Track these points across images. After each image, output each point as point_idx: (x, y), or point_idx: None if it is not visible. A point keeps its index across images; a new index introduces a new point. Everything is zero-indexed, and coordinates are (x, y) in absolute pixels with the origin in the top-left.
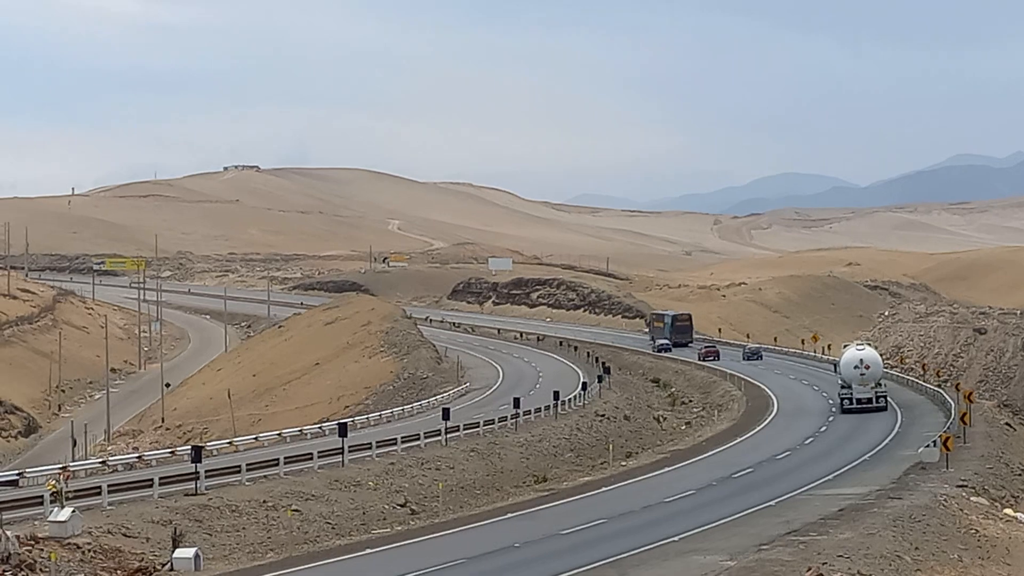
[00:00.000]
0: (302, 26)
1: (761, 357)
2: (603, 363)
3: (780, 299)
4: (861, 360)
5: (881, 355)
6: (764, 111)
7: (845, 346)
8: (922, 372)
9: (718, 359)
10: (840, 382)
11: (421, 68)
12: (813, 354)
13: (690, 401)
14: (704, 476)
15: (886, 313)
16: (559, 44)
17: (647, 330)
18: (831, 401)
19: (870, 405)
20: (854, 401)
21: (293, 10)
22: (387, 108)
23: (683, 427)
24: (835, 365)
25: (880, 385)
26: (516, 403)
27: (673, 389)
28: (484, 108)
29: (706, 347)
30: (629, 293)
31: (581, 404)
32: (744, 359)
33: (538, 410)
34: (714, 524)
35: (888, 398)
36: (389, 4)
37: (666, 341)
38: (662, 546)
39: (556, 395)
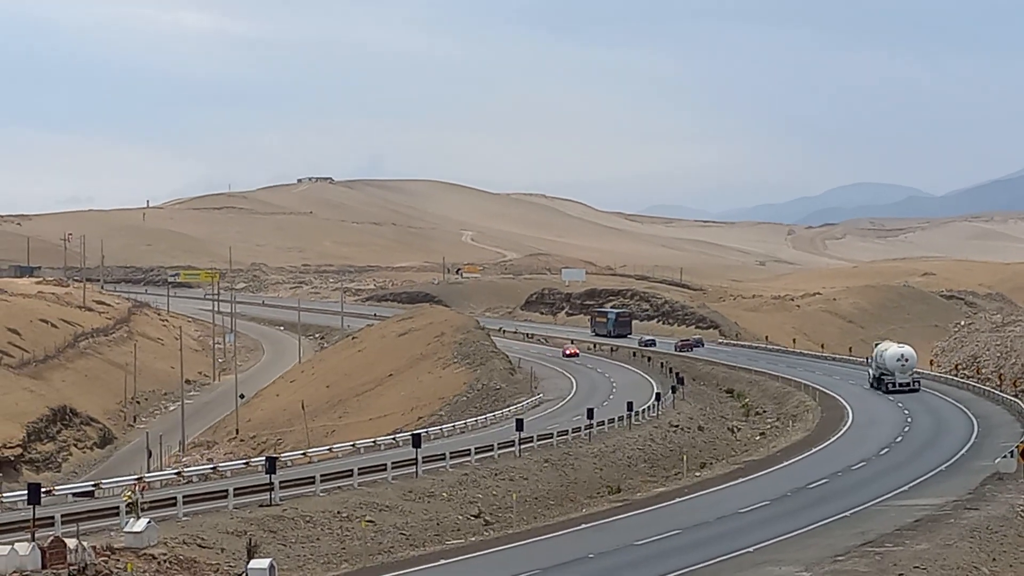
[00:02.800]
0: (376, 39)
1: (703, 345)
2: (677, 374)
3: (855, 309)
4: (903, 355)
5: (956, 365)
6: (839, 121)
7: (877, 343)
8: (999, 383)
9: (701, 346)
10: (880, 371)
11: (494, 80)
12: None
13: (764, 411)
14: (779, 487)
15: (962, 323)
16: (633, 58)
17: (590, 325)
18: (907, 411)
19: (907, 388)
20: (896, 384)
21: (368, 23)
22: (461, 120)
23: (757, 438)
24: (868, 358)
25: (914, 373)
26: (590, 414)
27: (747, 400)
28: (558, 120)
29: (682, 341)
30: (703, 303)
31: (655, 415)
32: (676, 350)
33: (612, 421)
34: (789, 535)
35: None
36: (464, 19)
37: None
38: (736, 557)
39: (630, 406)
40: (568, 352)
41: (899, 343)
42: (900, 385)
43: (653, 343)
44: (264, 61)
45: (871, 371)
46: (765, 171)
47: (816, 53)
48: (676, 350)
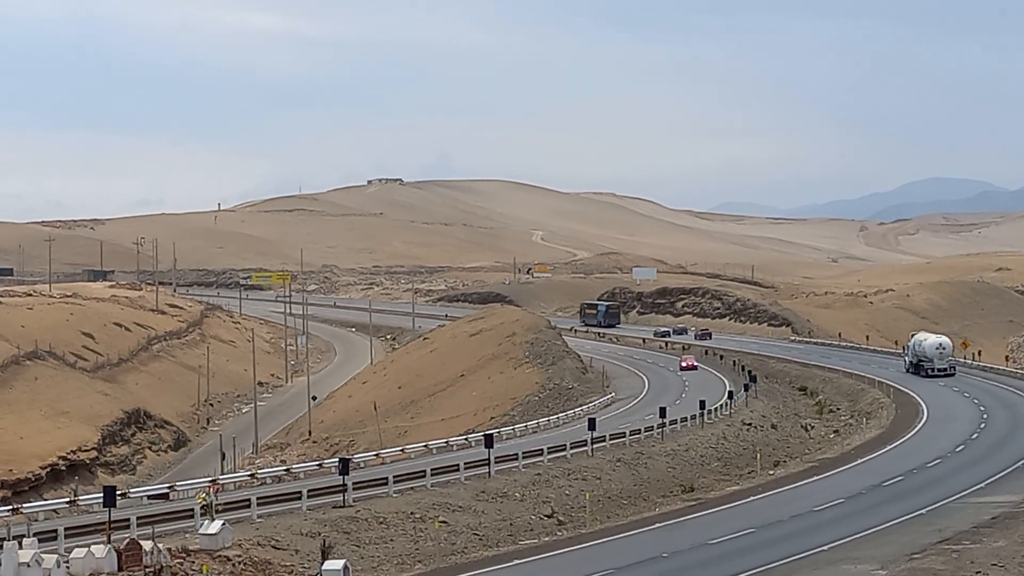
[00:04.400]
0: (445, 37)
1: (711, 336)
2: (749, 372)
3: (928, 305)
4: (941, 344)
5: None
6: (911, 115)
7: (913, 334)
8: None
9: (710, 338)
10: (919, 358)
11: (563, 79)
12: (963, 360)
13: (838, 409)
14: (853, 484)
15: None
16: (702, 54)
17: (580, 315)
18: (982, 408)
19: (944, 373)
20: (936, 370)
21: (436, 22)
22: (530, 119)
23: (831, 435)
24: (905, 347)
25: (951, 359)
26: (662, 413)
27: (820, 397)
28: (627, 118)
29: (701, 331)
30: (775, 301)
31: (728, 413)
32: (696, 338)
33: (684, 419)
34: (864, 533)
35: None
36: (531, 16)
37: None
38: (812, 555)
39: (702, 404)
40: (685, 364)
41: (932, 334)
42: (938, 370)
43: (668, 334)
44: (333, 61)
45: (907, 358)
46: (837, 166)
47: (888, 46)
48: (696, 339)
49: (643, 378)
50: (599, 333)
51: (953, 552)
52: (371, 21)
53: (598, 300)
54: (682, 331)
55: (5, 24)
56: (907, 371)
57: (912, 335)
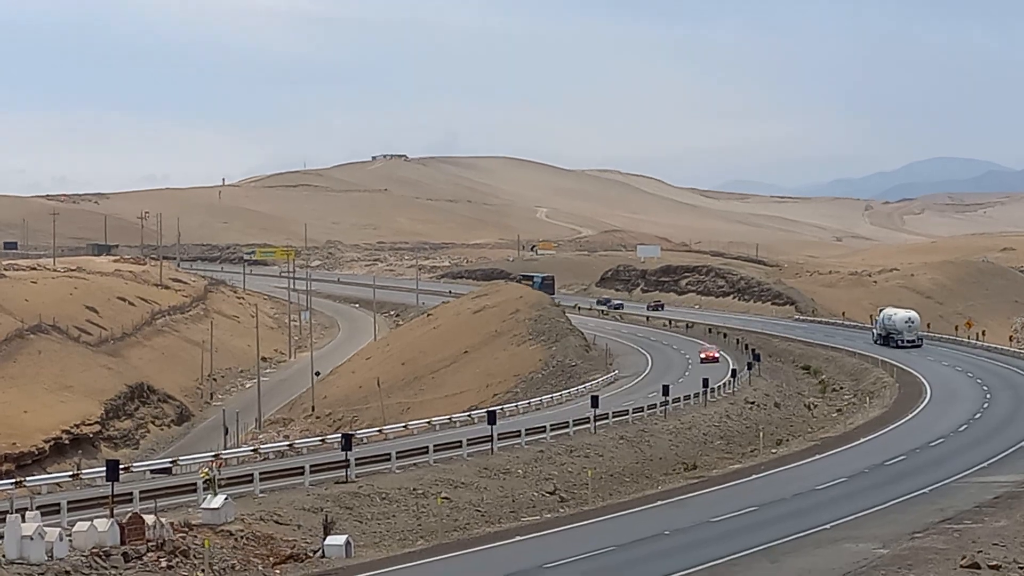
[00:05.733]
0: (449, 15)
1: (663, 307)
2: (752, 350)
3: (933, 285)
4: (910, 318)
5: None
6: (917, 95)
7: (882, 309)
8: None
9: (662, 308)
10: (888, 331)
11: (569, 57)
12: (967, 340)
13: (841, 388)
14: (856, 463)
15: None
16: (707, 33)
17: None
18: (985, 387)
19: (912, 344)
20: (904, 341)
21: (444, 2)
22: (536, 97)
23: (834, 414)
24: (874, 321)
25: (918, 332)
26: (665, 391)
27: (824, 376)
28: (632, 96)
29: (654, 302)
30: (779, 280)
31: (731, 391)
32: (648, 309)
33: (687, 397)
34: (866, 512)
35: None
36: None
37: None
38: (814, 534)
39: (705, 382)
40: (705, 356)
41: (899, 308)
42: (907, 341)
43: (621, 306)
44: (338, 39)
45: (876, 331)
46: (841, 146)
47: (894, 25)
48: (648, 309)
49: (647, 356)
50: (602, 311)
51: (955, 531)
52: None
53: (534, 273)
54: (619, 306)
55: (11, 2)
56: (875, 342)
57: (881, 309)
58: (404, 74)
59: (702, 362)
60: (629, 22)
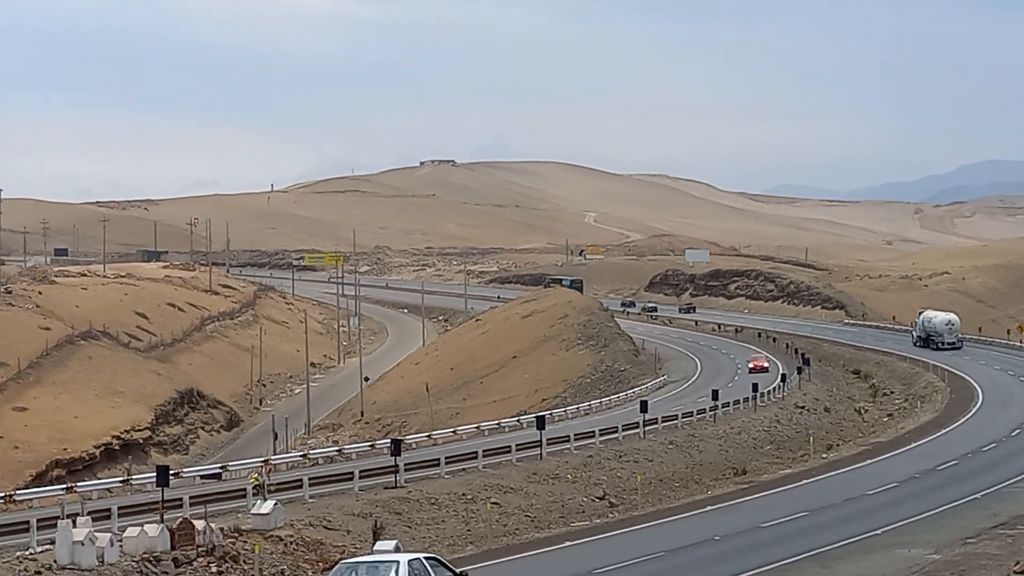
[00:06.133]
0: (497, 19)
1: (695, 310)
2: (802, 354)
3: (984, 288)
4: (950, 320)
5: None
6: (967, 97)
7: (921, 311)
8: None
9: (694, 311)
10: (928, 333)
11: (617, 60)
12: (1019, 344)
13: (892, 392)
14: (907, 468)
15: None
16: (754, 36)
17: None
18: None
19: (953, 346)
20: (945, 344)
21: (488, 3)
22: (584, 101)
23: (885, 419)
24: (913, 324)
25: (959, 335)
26: (715, 395)
27: (874, 380)
28: (680, 100)
29: (686, 305)
30: (828, 283)
31: (780, 396)
32: (680, 312)
33: (737, 402)
34: (918, 517)
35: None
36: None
37: None
38: (865, 539)
39: (755, 387)
40: (753, 366)
41: (944, 312)
42: (947, 344)
43: (655, 309)
44: (387, 43)
45: (915, 333)
46: (892, 149)
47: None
48: (680, 312)
49: (696, 361)
50: (651, 316)
51: (1008, 536)
52: (424, 3)
53: (563, 276)
54: (653, 308)
55: (61, 6)
56: (915, 344)
57: (920, 312)
58: (452, 78)
59: (751, 372)
60: (677, 24)
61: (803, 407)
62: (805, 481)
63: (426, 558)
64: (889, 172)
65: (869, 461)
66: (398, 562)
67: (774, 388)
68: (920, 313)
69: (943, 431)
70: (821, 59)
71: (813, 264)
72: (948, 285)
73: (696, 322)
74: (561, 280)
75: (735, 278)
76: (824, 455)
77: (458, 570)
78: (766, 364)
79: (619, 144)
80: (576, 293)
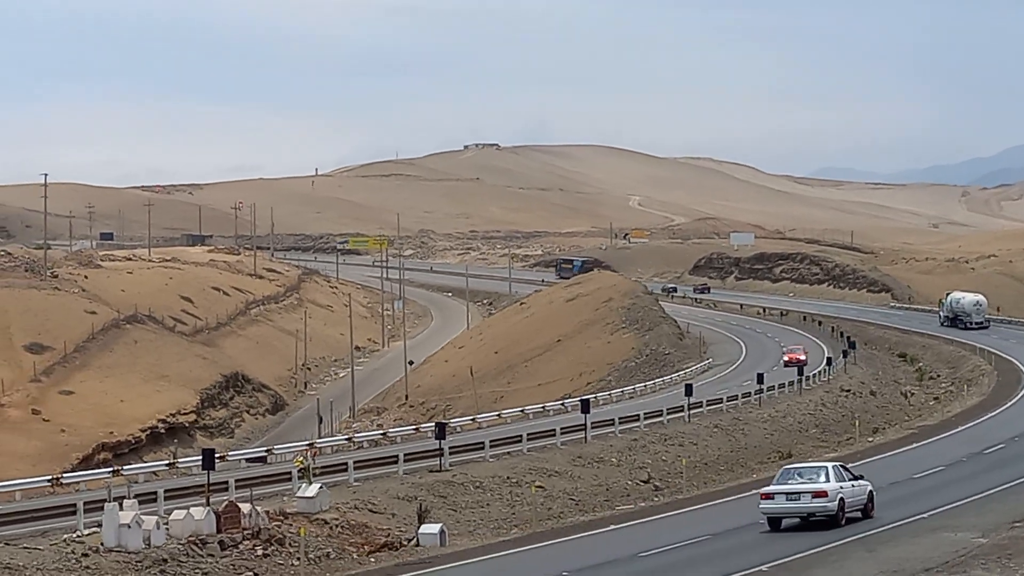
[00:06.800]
0: (540, 4)
1: (709, 291)
2: (848, 338)
3: None
4: (978, 301)
5: None
6: (1012, 79)
7: (949, 293)
8: None
9: (708, 292)
10: (955, 313)
11: (661, 43)
12: None
13: (938, 376)
14: (954, 452)
15: None
16: (798, 18)
17: (556, 270)
18: None
19: (980, 326)
20: (973, 323)
21: None
22: (628, 83)
23: (931, 402)
24: (941, 304)
25: (986, 314)
26: (759, 379)
27: (920, 364)
28: (725, 82)
29: (700, 286)
30: (874, 267)
31: (826, 379)
32: (695, 291)
33: (782, 386)
34: (965, 500)
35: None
36: None
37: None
38: (911, 523)
39: (800, 370)
40: (789, 359)
41: (972, 292)
42: (975, 323)
43: (675, 289)
44: (430, 27)
45: (943, 313)
46: (938, 131)
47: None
48: (694, 292)
49: (741, 344)
50: (696, 299)
51: None
52: None
53: (574, 257)
54: (673, 289)
55: None
56: (942, 324)
57: (948, 293)
58: (495, 62)
59: (786, 365)
60: (720, 7)
61: (849, 390)
62: (851, 464)
63: (834, 465)
64: (934, 155)
65: (915, 444)
66: (826, 467)
67: (819, 372)
68: (948, 294)
69: (990, 414)
70: (866, 41)
71: (858, 247)
72: (995, 268)
73: (741, 305)
74: (572, 262)
75: (780, 261)
76: (870, 439)
77: (856, 473)
78: (803, 357)
79: (663, 127)
80: (621, 277)
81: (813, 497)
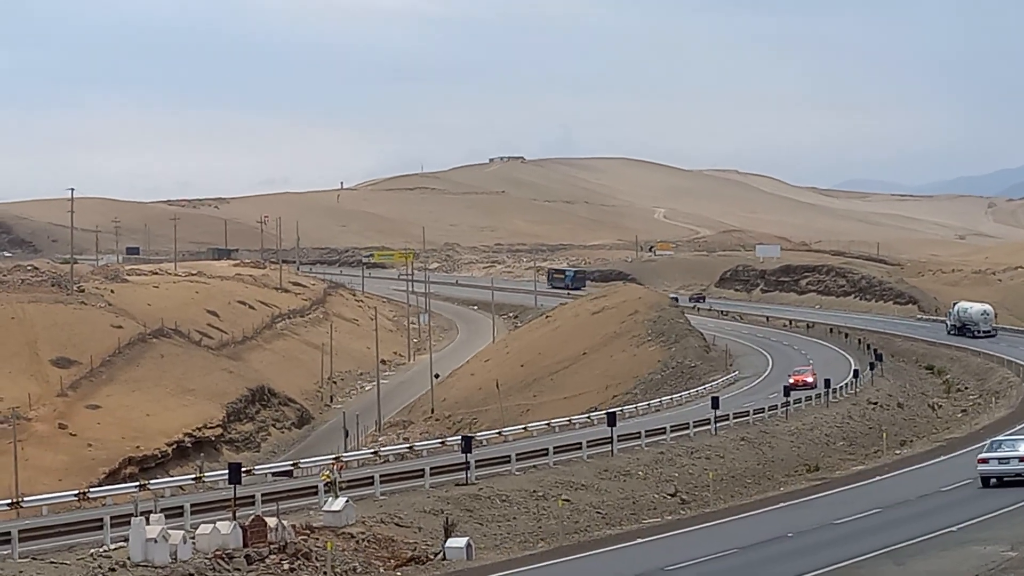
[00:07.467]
0: (564, 13)
1: (704, 300)
2: (875, 350)
3: None
4: (985, 310)
5: None
6: None
7: (956, 302)
8: None
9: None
10: (963, 322)
11: (684, 54)
12: None
13: (966, 388)
14: None
15: None
16: (822, 27)
17: (547, 279)
18: None
19: (987, 334)
20: (980, 332)
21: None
22: (652, 95)
23: (959, 415)
24: (948, 313)
25: (993, 324)
26: (786, 391)
27: (948, 376)
28: (749, 93)
29: (696, 295)
30: (901, 279)
31: (853, 392)
32: (690, 301)
33: (809, 398)
34: (994, 513)
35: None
36: None
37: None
38: (940, 536)
39: (827, 383)
40: (794, 381)
41: (979, 302)
42: (982, 332)
43: (676, 299)
44: (454, 39)
45: (950, 322)
46: (963, 142)
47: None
48: (690, 301)
49: (767, 356)
50: (721, 311)
51: None
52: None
53: (566, 267)
54: (675, 299)
55: (131, 3)
56: (949, 333)
57: (955, 303)
58: (520, 74)
59: (789, 389)
60: (745, 17)
61: (876, 403)
62: (878, 477)
63: None
64: (961, 166)
65: (943, 457)
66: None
67: (846, 384)
68: (955, 304)
69: (1019, 427)
70: (891, 51)
71: (885, 259)
72: (1022, 279)
73: (767, 318)
74: (564, 271)
75: (806, 273)
76: (897, 451)
77: None
78: (811, 379)
79: (687, 139)
80: (646, 290)
81: (1020, 461)
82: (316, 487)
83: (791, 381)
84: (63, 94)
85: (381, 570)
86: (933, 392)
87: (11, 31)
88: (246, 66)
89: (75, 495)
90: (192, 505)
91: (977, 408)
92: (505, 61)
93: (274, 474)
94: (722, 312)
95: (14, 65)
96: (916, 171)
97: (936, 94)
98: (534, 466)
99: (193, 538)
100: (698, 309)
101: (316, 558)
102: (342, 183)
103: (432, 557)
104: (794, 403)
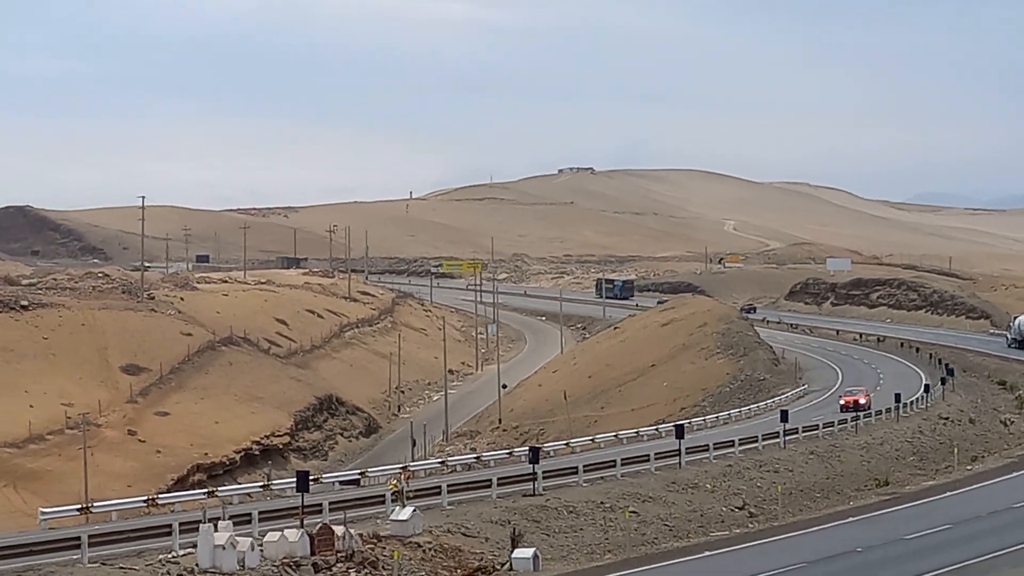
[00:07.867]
0: (635, 24)
1: (755, 311)
2: (946, 365)
3: None
4: None
5: None
6: None
7: (1016, 317)
8: None
9: (755, 312)
10: (1023, 335)
11: (755, 66)
12: None
13: None
14: None
15: None
16: (895, 39)
17: (596, 290)
18: None
19: None
20: None
21: (626, 8)
22: (722, 106)
23: None
24: (1009, 326)
25: None
26: (841, 411)
27: (1020, 391)
28: (820, 106)
29: (746, 305)
30: (973, 293)
31: (924, 407)
32: (740, 310)
33: (879, 412)
34: None
35: None
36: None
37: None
38: (1011, 553)
39: (897, 397)
40: (845, 402)
41: None
42: None
43: (753, 310)
44: (523, 49)
45: (1010, 336)
46: None
47: None
48: (740, 311)
49: (837, 370)
50: (791, 324)
51: None
52: (560, 8)
53: (614, 277)
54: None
55: (201, 13)
56: (1009, 346)
57: (1015, 316)
58: (589, 84)
59: (842, 410)
60: (815, 29)
61: (947, 418)
62: (949, 493)
63: None
64: None
65: (1015, 473)
66: None
67: (917, 399)
68: (1015, 318)
69: None
70: (966, 62)
71: (957, 273)
72: None
73: (838, 331)
74: (614, 282)
75: (877, 287)
76: (969, 467)
77: None
78: (863, 400)
79: (757, 150)
80: (715, 302)
81: None
82: (383, 496)
83: (842, 402)
84: (134, 103)
85: None
86: (1005, 408)
87: (85, 41)
88: (315, 76)
89: (144, 501)
90: (260, 512)
91: None
92: (573, 72)
93: (342, 483)
94: (792, 325)
95: (87, 74)
96: (989, 184)
97: (1011, 105)
98: (601, 478)
99: (261, 545)
100: (767, 321)
101: (383, 567)
102: (411, 193)
103: (499, 568)
104: (864, 417)
